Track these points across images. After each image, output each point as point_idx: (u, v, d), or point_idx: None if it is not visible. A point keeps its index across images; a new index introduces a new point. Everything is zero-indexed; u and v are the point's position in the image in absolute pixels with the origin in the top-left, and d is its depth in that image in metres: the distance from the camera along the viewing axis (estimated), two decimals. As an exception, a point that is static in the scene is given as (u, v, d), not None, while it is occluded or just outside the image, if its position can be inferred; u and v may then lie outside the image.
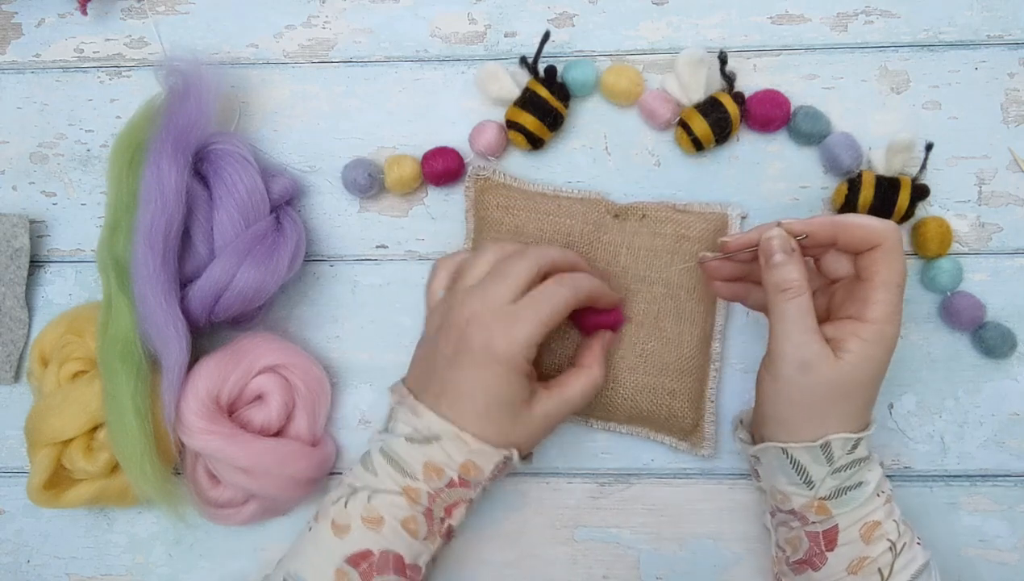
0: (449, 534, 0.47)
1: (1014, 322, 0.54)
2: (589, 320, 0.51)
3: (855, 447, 0.46)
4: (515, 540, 0.55)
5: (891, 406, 0.55)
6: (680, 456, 0.55)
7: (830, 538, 0.46)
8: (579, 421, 0.55)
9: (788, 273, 0.45)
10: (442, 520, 0.46)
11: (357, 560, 0.45)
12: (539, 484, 0.56)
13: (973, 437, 0.55)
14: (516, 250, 0.48)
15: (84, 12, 0.59)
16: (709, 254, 0.50)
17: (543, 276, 0.48)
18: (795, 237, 0.46)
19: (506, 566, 0.55)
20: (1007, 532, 0.54)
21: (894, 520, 0.47)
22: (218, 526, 0.55)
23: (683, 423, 0.54)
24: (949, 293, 0.55)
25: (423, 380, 0.48)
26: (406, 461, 0.46)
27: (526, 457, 0.48)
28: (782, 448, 0.47)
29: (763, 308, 0.50)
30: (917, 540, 0.47)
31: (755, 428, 0.50)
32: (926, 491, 0.54)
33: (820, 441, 0.46)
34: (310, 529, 0.47)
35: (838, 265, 0.49)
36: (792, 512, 0.48)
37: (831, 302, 0.49)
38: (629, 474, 0.56)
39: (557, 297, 0.46)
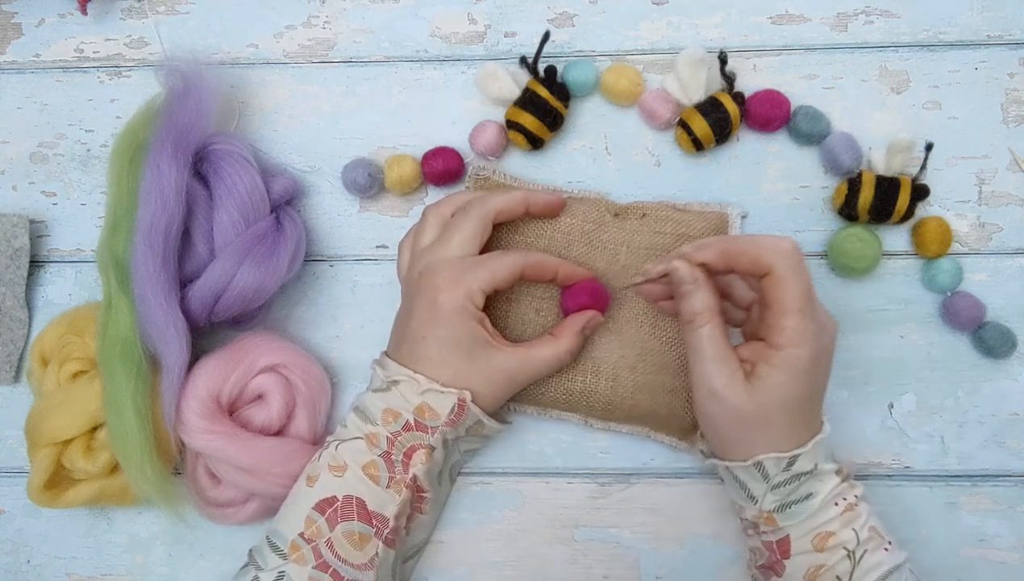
0: (418, 490, 0.49)
1: (1014, 322, 0.54)
2: (572, 302, 0.52)
3: (792, 463, 0.45)
4: (515, 540, 0.55)
5: (891, 406, 0.55)
6: (680, 456, 0.55)
7: (783, 548, 0.46)
8: (579, 421, 0.55)
9: (692, 304, 0.46)
10: (404, 466, 0.48)
11: (323, 507, 0.47)
12: (539, 484, 0.56)
13: (973, 437, 0.55)
14: (460, 208, 0.51)
15: (84, 12, 0.59)
16: (639, 277, 0.49)
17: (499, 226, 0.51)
18: (699, 265, 0.46)
19: (506, 566, 0.55)
20: (1007, 532, 0.54)
21: (853, 529, 0.46)
22: (218, 526, 0.55)
23: (683, 421, 0.54)
24: (949, 293, 0.55)
25: (394, 339, 0.52)
26: (369, 410, 0.49)
27: (501, 420, 0.51)
28: (724, 465, 0.47)
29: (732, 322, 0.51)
30: (885, 546, 0.46)
31: None
32: (926, 491, 0.54)
33: (751, 461, 0.46)
34: (292, 489, 0.50)
35: (743, 293, 0.49)
36: (747, 521, 0.48)
37: (751, 319, 0.49)
38: (629, 474, 0.56)
39: (504, 256, 0.49)
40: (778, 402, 0.44)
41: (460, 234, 0.49)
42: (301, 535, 0.47)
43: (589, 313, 0.52)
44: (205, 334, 0.55)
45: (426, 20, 0.59)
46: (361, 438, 0.49)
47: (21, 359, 0.57)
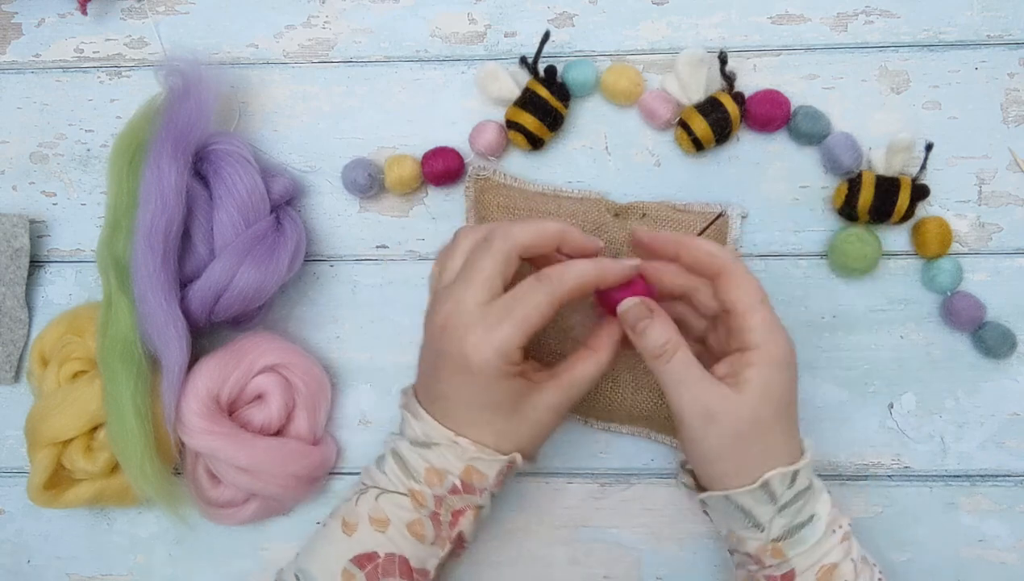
0: (461, 542, 0.46)
1: (1014, 322, 0.54)
2: (609, 297, 0.46)
3: (795, 479, 0.44)
4: (515, 540, 0.55)
5: (891, 406, 0.55)
6: (680, 456, 0.55)
7: None
8: (579, 421, 0.55)
9: (655, 338, 0.44)
10: (450, 525, 0.45)
11: (363, 561, 0.44)
12: (539, 484, 0.56)
13: (973, 437, 0.55)
14: (482, 239, 0.45)
15: (84, 12, 0.59)
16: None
17: (530, 258, 0.46)
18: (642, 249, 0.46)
19: (506, 566, 0.55)
20: (1006, 532, 0.54)
21: (851, 559, 0.45)
22: (218, 526, 0.55)
23: (683, 423, 0.54)
24: (949, 293, 0.55)
25: (423, 384, 0.47)
26: (411, 464, 0.45)
27: (530, 458, 0.47)
28: (724, 496, 0.45)
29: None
30: (878, 577, 0.46)
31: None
32: (926, 491, 0.54)
33: (759, 482, 0.43)
34: (324, 526, 0.47)
35: (708, 300, 0.47)
36: (748, 555, 0.46)
37: (717, 338, 0.47)
38: (629, 474, 0.56)
39: (533, 298, 0.43)
40: (770, 404, 0.43)
41: (481, 274, 0.43)
42: None
43: (618, 328, 0.47)
44: (205, 334, 0.55)
45: (426, 20, 0.59)
46: (405, 494, 0.45)
47: (21, 359, 0.57)
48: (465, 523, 0.46)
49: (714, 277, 0.45)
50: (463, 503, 0.45)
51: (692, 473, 0.48)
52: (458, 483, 0.45)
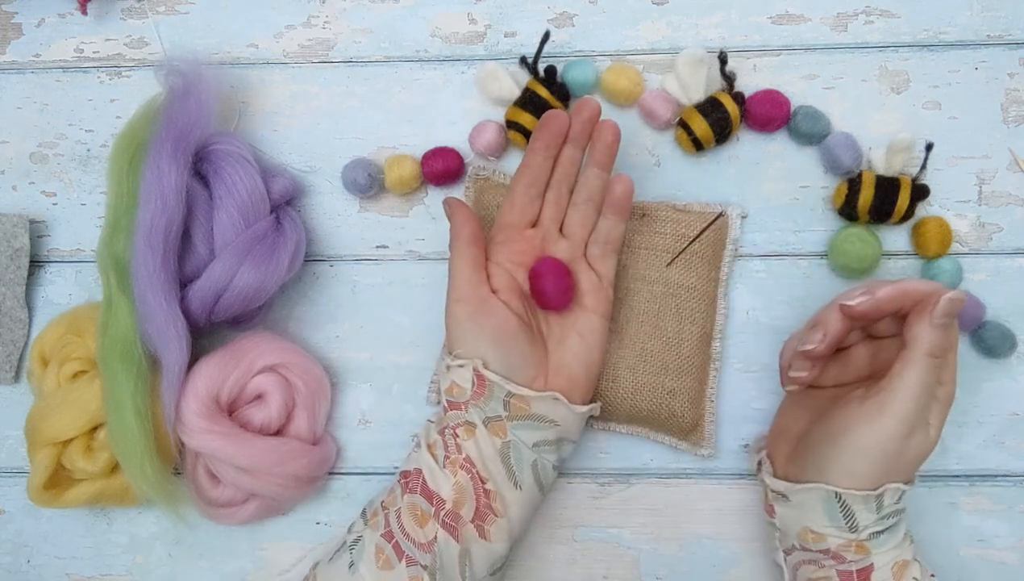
0: (479, 479, 0.48)
1: (1014, 322, 0.54)
2: (541, 277, 0.49)
3: (901, 498, 0.46)
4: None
5: (891, 406, 0.55)
6: (680, 456, 0.55)
7: (864, 577, 0.46)
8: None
9: (947, 339, 0.44)
10: (456, 447, 0.48)
11: (403, 476, 0.49)
12: (539, 484, 0.56)
13: (973, 437, 0.55)
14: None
15: (84, 12, 0.59)
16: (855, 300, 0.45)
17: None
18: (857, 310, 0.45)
19: (506, 566, 0.55)
20: (1006, 532, 0.54)
21: (917, 560, 0.47)
22: (218, 526, 0.55)
23: (683, 423, 0.54)
24: (949, 293, 0.55)
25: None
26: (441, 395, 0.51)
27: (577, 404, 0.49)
28: (836, 492, 0.45)
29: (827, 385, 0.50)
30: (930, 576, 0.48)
31: (781, 462, 0.49)
32: (926, 491, 0.54)
33: (880, 490, 0.45)
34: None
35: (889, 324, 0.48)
36: (825, 551, 0.46)
37: (878, 358, 0.48)
38: (629, 474, 0.56)
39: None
40: (936, 442, 0.46)
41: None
42: (382, 503, 0.49)
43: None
44: (205, 334, 0.55)
45: (426, 20, 0.59)
46: (433, 421, 0.50)
47: (21, 359, 0.57)
48: (465, 440, 0.48)
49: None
50: (455, 420, 0.49)
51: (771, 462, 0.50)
52: (445, 401, 0.49)
